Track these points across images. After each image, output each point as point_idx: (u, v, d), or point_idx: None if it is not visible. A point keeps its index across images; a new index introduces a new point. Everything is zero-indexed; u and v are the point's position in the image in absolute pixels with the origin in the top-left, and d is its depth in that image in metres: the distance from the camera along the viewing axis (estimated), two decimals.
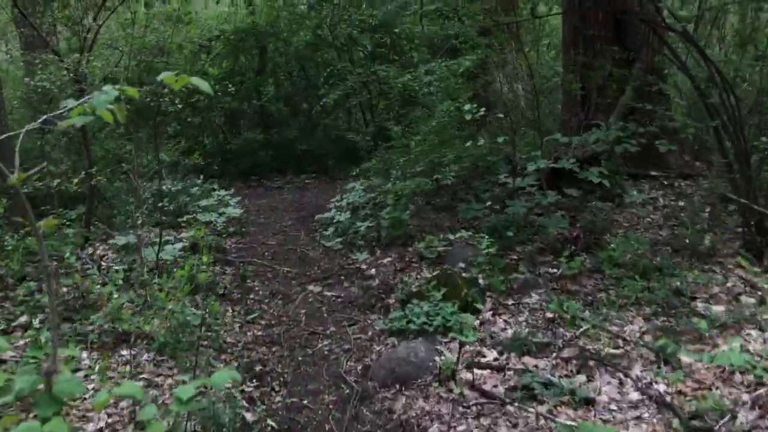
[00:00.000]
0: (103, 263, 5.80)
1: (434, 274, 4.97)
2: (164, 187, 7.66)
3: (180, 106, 5.24)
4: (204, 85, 1.31)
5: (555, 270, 4.92)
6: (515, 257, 5.26)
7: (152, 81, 5.30)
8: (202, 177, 9.47)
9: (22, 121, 7.75)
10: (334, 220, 6.63)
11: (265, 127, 11.94)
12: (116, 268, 4.84)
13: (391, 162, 7.28)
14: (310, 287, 5.25)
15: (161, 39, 6.61)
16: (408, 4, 10.14)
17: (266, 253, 6.34)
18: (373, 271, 5.44)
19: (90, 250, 6.19)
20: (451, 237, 5.23)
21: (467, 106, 4.84)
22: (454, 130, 7.03)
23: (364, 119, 9.01)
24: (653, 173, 6.66)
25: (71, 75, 4.74)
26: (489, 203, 6.26)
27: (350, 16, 7.55)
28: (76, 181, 4.66)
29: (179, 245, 5.39)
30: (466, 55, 7.17)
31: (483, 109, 4.78)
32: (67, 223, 6.09)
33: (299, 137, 11.76)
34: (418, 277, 5.13)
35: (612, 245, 5.19)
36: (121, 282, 4.54)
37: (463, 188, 7.55)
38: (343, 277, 5.39)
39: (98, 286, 4.56)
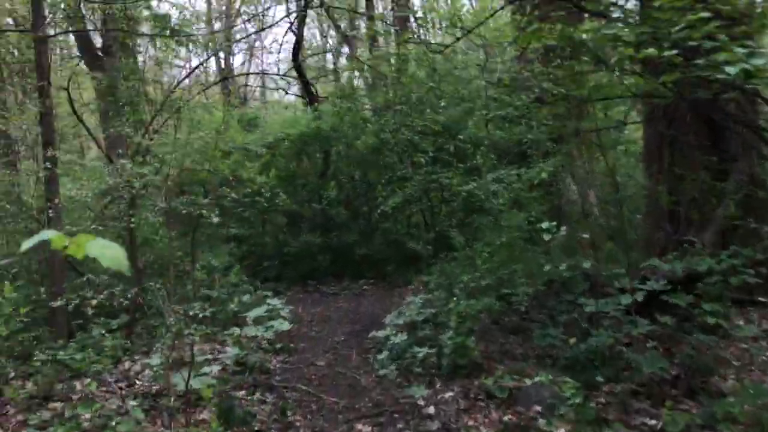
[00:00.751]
0: (138, 382, 5.31)
1: (506, 420, 4.20)
2: (214, 294, 7.28)
3: (217, 219, 4.89)
4: (111, 259, 0.79)
5: (654, 421, 4.03)
6: (603, 400, 4.40)
7: (191, 190, 5.14)
8: (256, 283, 9.13)
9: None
10: (389, 342, 5.96)
11: (324, 230, 11.67)
12: (134, 403, 4.29)
13: (453, 276, 6.66)
14: (359, 426, 4.53)
15: (206, 145, 6.47)
16: (473, 110, 9.90)
17: (314, 377, 5.70)
18: (431, 409, 4.68)
19: (127, 364, 5.75)
20: (528, 381, 4.46)
21: (545, 224, 4.23)
22: (524, 242, 6.41)
23: (425, 224, 8.52)
24: (761, 299, 5.71)
25: (111, 182, 4.52)
26: (568, 329, 5.48)
27: (413, 121, 7.26)
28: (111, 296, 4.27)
29: (215, 368, 4.85)
30: (536, 163, 6.66)
31: (563, 227, 4.15)
32: (105, 334, 5.70)
33: (358, 241, 11.38)
34: (486, 420, 4.34)
35: (725, 392, 4.28)
36: (142, 415, 4.00)
37: (535, 306, 6.79)
38: (396, 415, 4.64)
39: (117, 418, 4.02)
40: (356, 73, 14.75)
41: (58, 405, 4.79)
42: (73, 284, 5.30)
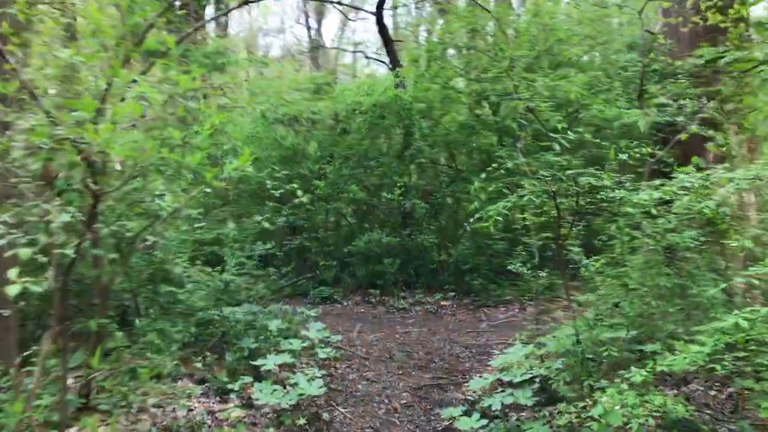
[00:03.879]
0: None
1: None
2: (229, 316, 5.19)
3: None
4: None
5: None
6: None
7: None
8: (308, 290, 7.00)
9: None
10: None
11: (396, 226, 9.40)
12: None
13: (581, 319, 4.21)
14: None
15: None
16: (603, 80, 7.22)
17: None
18: None
19: None
20: None
21: None
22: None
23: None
24: None
25: None
26: None
27: (533, 81, 4.75)
28: None
29: None
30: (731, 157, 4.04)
31: None
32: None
33: (438, 243, 9.03)
34: None
35: None
36: None
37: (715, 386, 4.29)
38: None
39: None
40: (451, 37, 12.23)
41: None
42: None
